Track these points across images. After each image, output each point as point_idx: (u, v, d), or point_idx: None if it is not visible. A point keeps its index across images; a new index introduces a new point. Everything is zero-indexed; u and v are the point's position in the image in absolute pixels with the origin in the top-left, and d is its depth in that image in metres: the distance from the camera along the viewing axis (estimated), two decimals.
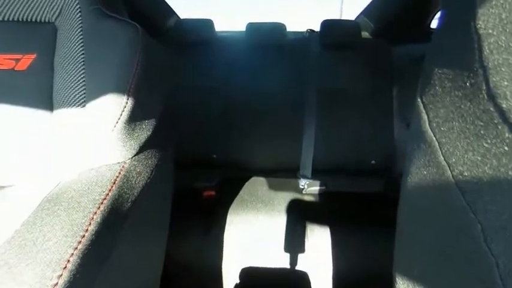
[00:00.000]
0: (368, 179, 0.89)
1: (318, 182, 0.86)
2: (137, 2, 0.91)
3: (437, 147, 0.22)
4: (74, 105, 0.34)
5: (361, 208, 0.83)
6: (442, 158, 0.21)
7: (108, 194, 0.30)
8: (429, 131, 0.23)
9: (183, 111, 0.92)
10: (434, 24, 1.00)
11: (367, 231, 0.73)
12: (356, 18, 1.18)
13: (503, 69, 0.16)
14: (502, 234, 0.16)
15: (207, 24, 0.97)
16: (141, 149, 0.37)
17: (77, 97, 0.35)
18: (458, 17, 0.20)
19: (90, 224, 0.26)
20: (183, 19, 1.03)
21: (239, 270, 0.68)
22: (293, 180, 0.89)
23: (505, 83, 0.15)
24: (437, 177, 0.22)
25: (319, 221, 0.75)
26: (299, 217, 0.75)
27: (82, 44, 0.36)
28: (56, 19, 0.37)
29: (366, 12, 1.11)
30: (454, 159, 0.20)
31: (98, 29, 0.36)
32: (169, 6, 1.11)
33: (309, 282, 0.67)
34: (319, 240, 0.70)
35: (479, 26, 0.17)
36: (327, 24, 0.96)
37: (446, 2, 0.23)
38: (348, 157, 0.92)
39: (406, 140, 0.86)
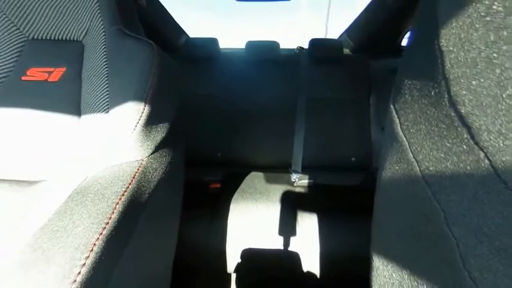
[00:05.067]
0: (349, 174, 0.90)
1: (307, 176, 0.86)
2: (153, 23, 0.91)
3: (407, 146, 0.22)
4: (99, 111, 0.34)
5: (343, 198, 0.83)
6: (411, 156, 0.21)
7: (128, 187, 0.29)
8: (400, 132, 0.23)
9: (193, 116, 0.91)
10: (404, 42, 1.01)
11: (349, 218, 0.73)
12: (339, 38, 1.18)
13: (462, 80, 0.16)
14: (461, 219, 0.16)
15: (213, 42, 0.97)
16: (157, 149, 0.36)
17: (101, 104, 0.34)
18: (424, 36, 0.20)
19: (113, 212, 0.26)
20: (192, 38, 1.03)
21: (240, 251, 0.68)
22: (286, 175, 0.89)
23: (464, 92, 0.16)
24: (407, 172, 0.22)
25: (308, 209, 0.75)
26: (291, 206, 0.76)
27: (106, 60, 0.35)
28: (83, 38, 0.37)
29: (347, 32, 1.11)
30: (421, 157, 0.20)
31: (119, 47, 0.36)
32: (180, 27, 1.12)
33: (300, 261, 0.67)
34: (308, 225, 0.70)
35: (442, 44, 0.17)
36: (315, 43, 0.97)
37: (415, 24, 0.23)
38: (332, 155, 0.92)
39: (381, 140, 0.84)
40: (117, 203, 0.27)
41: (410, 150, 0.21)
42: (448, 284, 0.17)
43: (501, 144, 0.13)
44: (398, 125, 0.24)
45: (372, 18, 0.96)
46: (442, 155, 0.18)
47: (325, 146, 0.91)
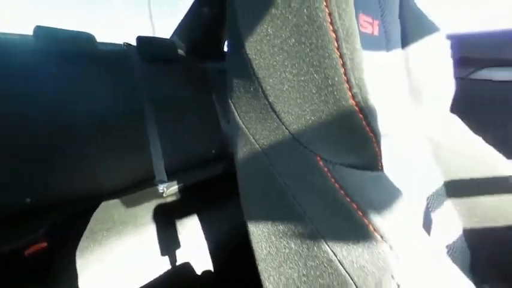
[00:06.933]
0: (214, 165, 0.94)
1: (175, 182, 0.81)
2: None
3: (247, 130, 0.27)
4: None
5: (215, 188, 0.87)
6: (251, 137, 0.27)
7: None
8: (240, 121, 0.27)
9: None
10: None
11: (224, 202, 0.77)
12: (170, 37, 1.16)
13: (266, 79, 0.22)
14: (286, 172, 0.24)
15: None
16: None
17: None
18: (235, 45, 0.25)
19: None
20: None
21: None
22: (152, 189, 0.78)
23: (268, 87, 0.22)
24: (251, 150, 0.27)
25: (186, 213, 0.71)
26: (167, 218, 0.68)
27: None
28: None
29: (176, 33, 1.12)
30: (257, 136, 0.26)
31: None
32: None
33: (193, 269, 0.64)
34: (190, 230, 0.68)
35: (248, 52, 0.23)
36: (144, 40, 0.88)
37: (228, 35, 0.28)
38: (194, 153, 0.92)
39: (230, 130, 0.94)
40: None
41: (250, 133, 0.27)
42: (290, 216, 0.24)
43: (290, 119, 0.21)
44: (237, 115, 0.28)
45: (193, 25, 1.01)
46: (267, 132, 0.24)
47: (183, 145, 0.89)
